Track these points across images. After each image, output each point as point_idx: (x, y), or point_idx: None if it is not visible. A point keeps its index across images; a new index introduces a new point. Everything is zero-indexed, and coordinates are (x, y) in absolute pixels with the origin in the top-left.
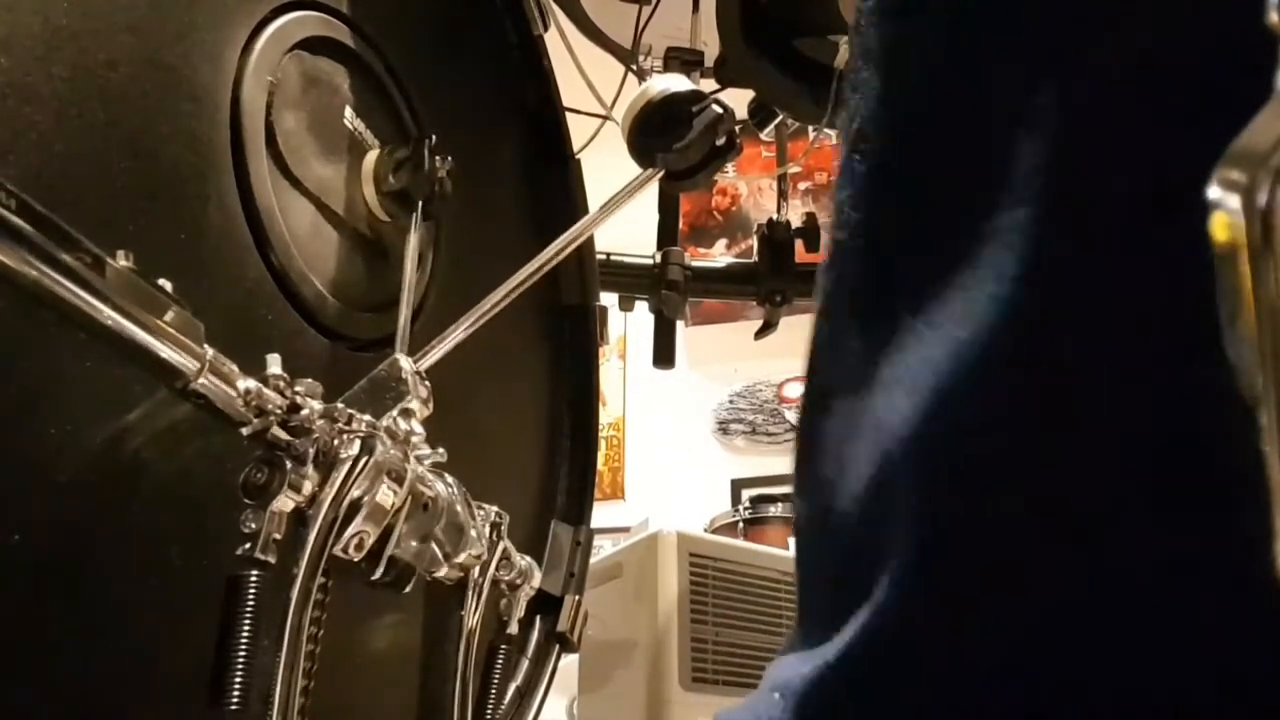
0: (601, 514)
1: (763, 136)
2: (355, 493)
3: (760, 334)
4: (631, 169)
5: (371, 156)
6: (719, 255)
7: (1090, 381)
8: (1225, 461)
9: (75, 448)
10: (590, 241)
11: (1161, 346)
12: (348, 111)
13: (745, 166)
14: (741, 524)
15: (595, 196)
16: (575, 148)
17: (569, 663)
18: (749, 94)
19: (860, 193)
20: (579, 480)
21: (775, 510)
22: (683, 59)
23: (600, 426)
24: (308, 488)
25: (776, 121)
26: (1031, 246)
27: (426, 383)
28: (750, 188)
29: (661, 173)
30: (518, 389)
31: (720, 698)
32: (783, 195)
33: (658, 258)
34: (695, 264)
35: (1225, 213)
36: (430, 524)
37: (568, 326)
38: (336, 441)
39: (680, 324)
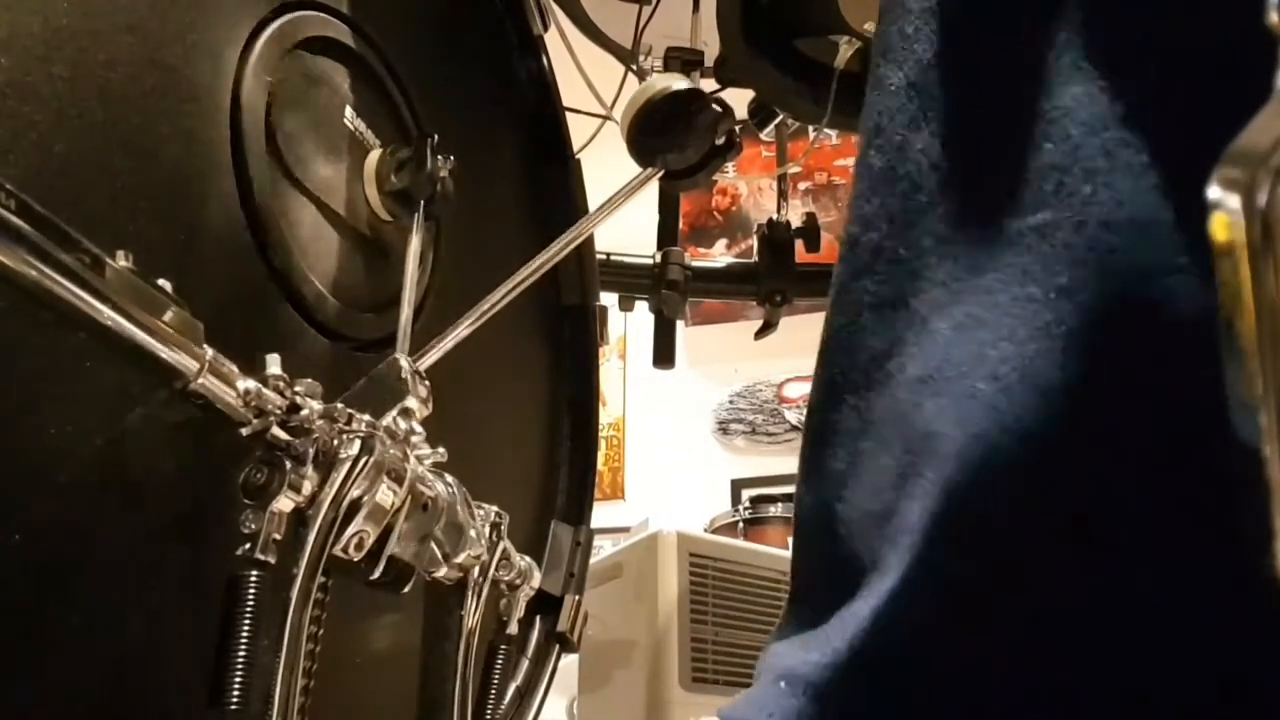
0: (601, 514)
1: (763, 136)
2: (355, 493)
3: (760, 334)
4: (631, 169)
5: (374, 156)
6: (719, 255)
7: (1100, 386)
8: (1225, 462)
9: (75, 448)
10: (590, 241)
11: (1166, 348)
12: (348, 111)
13: (745, 166)
14: (741, 524)
15: (595, 197)
16: (575, 148)
17: (569, 663)
18: (749, 94)
19: (875, 188)
20: (579, 480)
21: (775, 510)
22: (683, 59)
23: (600, 426)
24: (307, 488)
25: (776, 121)
26: (1053, 251)
27: (426, 382)
28: (750, 188)
29: (661, 172)
30: (518, 389)
31: (720, 698)
32: (783, 195)
33: (658, 258)
34: (695, 264)
35: (1225, 212)
36: (430, 524)
37: (568, 326)
38: (336, 441)
39: (680, 324)
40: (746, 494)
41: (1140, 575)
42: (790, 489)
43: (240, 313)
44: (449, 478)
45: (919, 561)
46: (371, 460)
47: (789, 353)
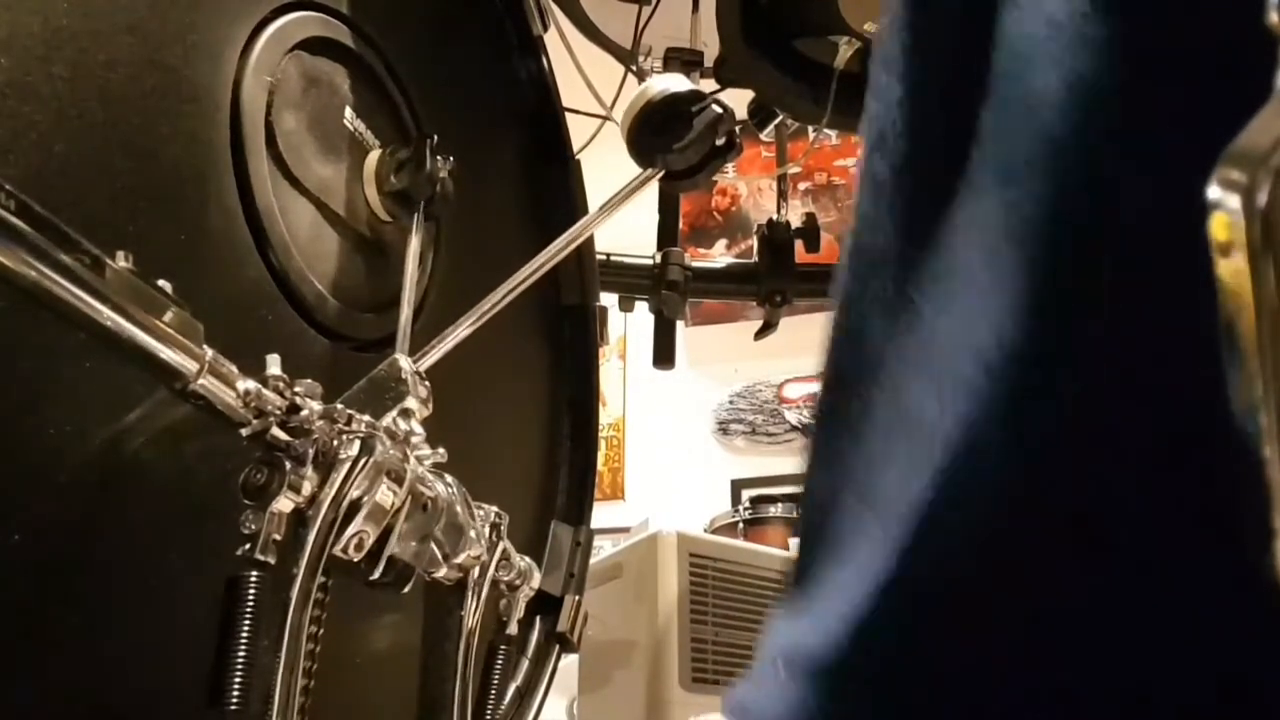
0: (601, 514)
1: (763, 136)
2: (355, 493)
3: (760, 334)
4: (631, 169)
5: (373, 157)
6: (719, 255)
7: (1095, 381)
8: (1225, 461)
9: (75, 448)
10: (590, 241)
11: (1165, 347)
12: (348, 111)
13: (745, 166)
14: (741, 524)
15: (595, 197)
16: (575, 148)
17: (569, 663)
18: (749, 94)
19: (878, 191)
20: (579, 480)
21: (775, 511)
22: (683, 59)
23: (600, 426)
24: (307, 488)
25: (776, 121)
26: (1038, 245)
27: (426, 383)
28: (750, 188)
29: (661, 173)
30: (518, 389)
31: (720, 698)
32: (782, 195)
33: (658, 258)
34: (695, 264)
35: (1225, 212)
36: (430, 524)
37: (568, 326)
38: (336, 442)
39: (680, 324)
40: (746, 494)
41: (1141, 575)
42: (791, 489)
43: (240, 313)
44: (449, 478)
45: (911, 552)
46: (371, 461)
47: (789, 353)
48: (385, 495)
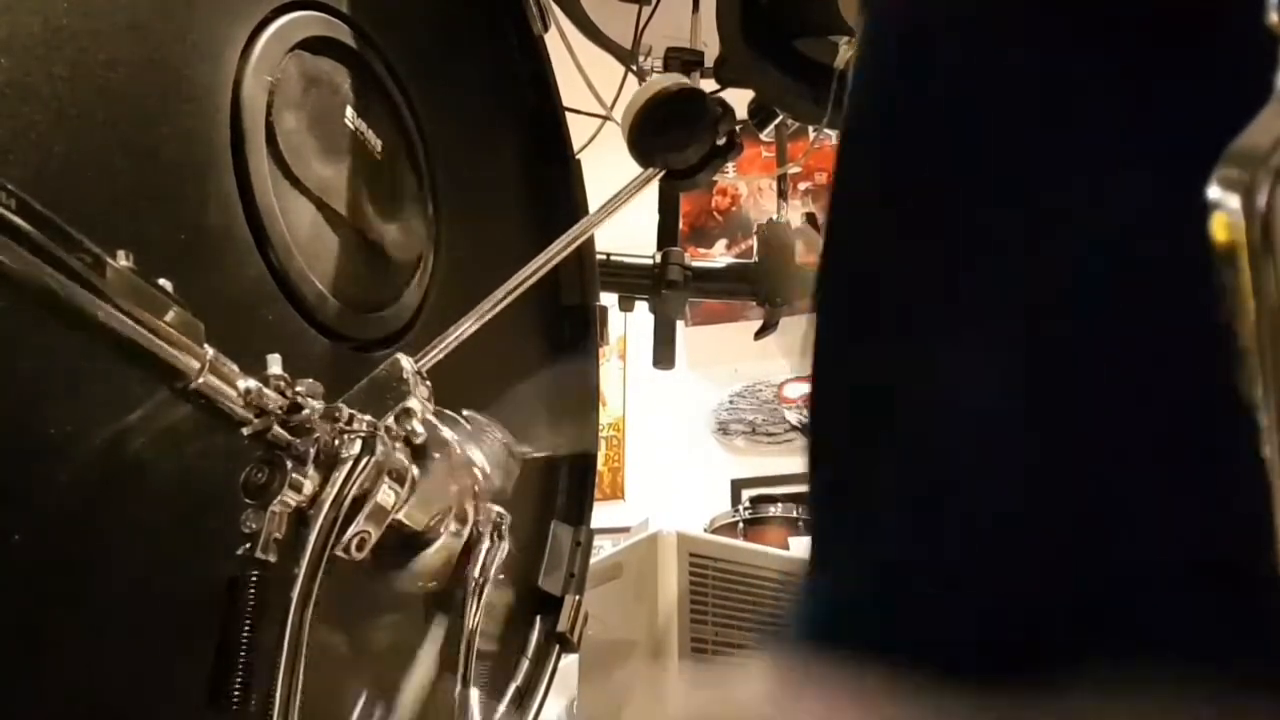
0: (601, 514)
1: (763, 136)
2: (356, 492)
3: (760, 334)
4: (632, 168)
5: None
6: (719, 255)
7: (1095, 380)
8: (1225, 460)
9: (75, 448)
10: (590, 241)
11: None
12: (348, 111)
13: (745, 166)
14: (741, 524)
15: (595, 196)
16: (575, 148)
17: (569, 663)
18: (749, 94)
19: (847, 188)
20: (579, 480)
21: (775, 510)
22: (683, 59)
23: (600, 426)
24: (308, 488)
25: (776, 121)
26: (1026, 244)
27: (427, 382)
28: (750, 188)
29: (662, 172)
30: (518, 389)
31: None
32: (783, 195)
33: (658, 258)
34: (695, 264)
35: (1225, 213)
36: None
37: (568, 326)
38: (337, 441)
39: (680, 324)
40: (746, 494)
41: (1140, 576)
42: (790, 489)
43: (241, 312)
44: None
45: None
46: (373, 460)
47: (789, 353)
48: (387, 495)
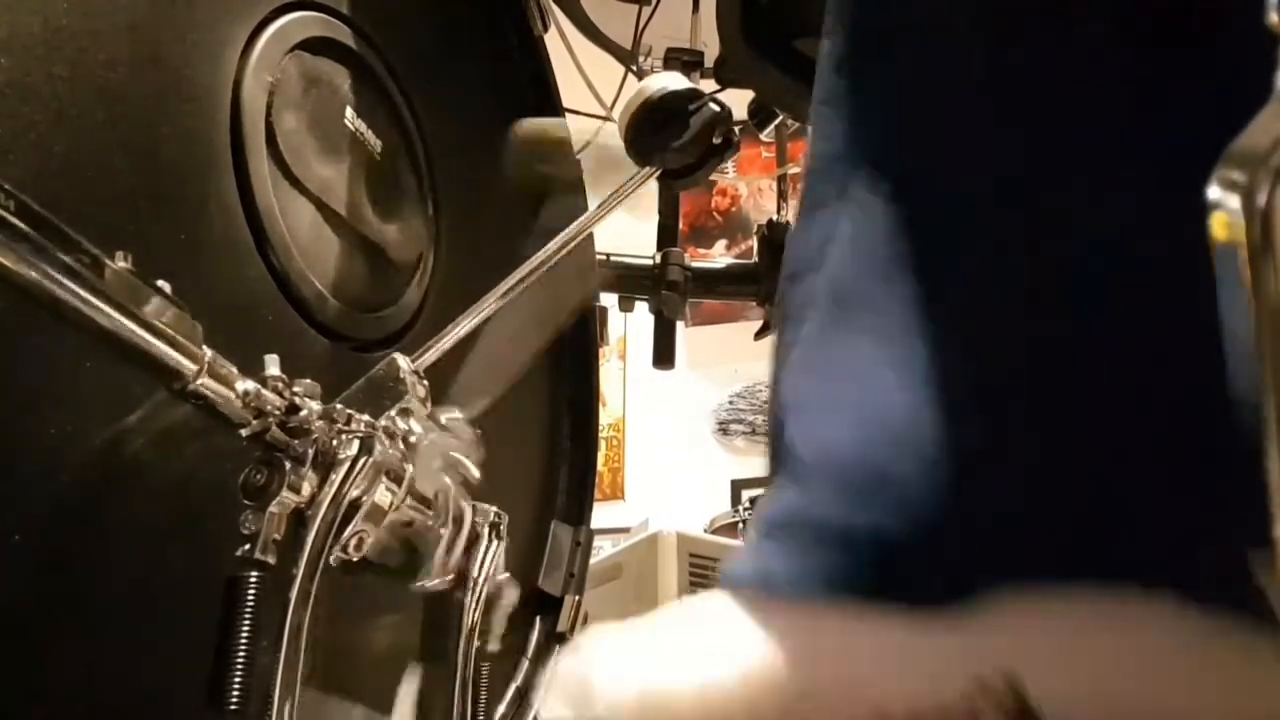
0: (601, 514)
1: (763, 137)
2: (354, 493)
3: (760, 334)
4: (632, 169)
5: None
6: (719, 255)
7: (1095, 380)
8: (1226, 460)
9: (75, 448)
10: (590, 241)
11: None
12: (348, 112)
13: (745, 166)
14: (741, 524)
15: (595, 196)
16: (575, 148)
17: None
18: (749, 94)
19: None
20: (579, 480)
21: None
22: (683, 59)
23: (600, 426)
24: (307, 488)
25: (776, 121)
26: (1026, 244)
27: (425, 382)
28: (750, 188)
29: (659, 171)
30: (518, 389)
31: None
32: (782, 196)
33: (658, 258)
34: (695, 264)
35: (1225, 212)
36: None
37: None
38: (335, 442)
39: (680, 324)
40: (746, 494)
41: (1140, 574)
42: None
43: (240, 313)
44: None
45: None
46: (370, 460)
47: None
48: (384, 495)
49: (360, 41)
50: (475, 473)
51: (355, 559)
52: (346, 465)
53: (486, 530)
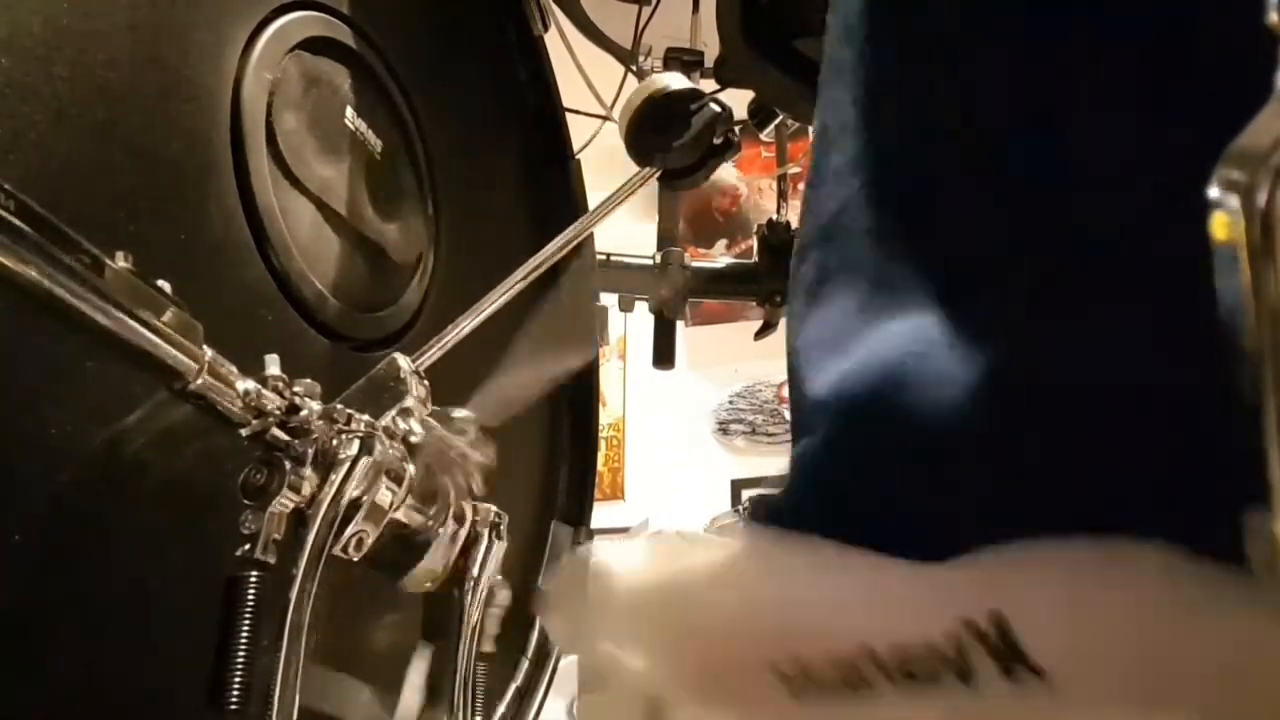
0: (601, 514)
1: (763, 137)
2: (354, 492)
3: (760, 334)
4: (631, 168)
5: None
6: (719, 255)
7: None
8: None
9: (75, 448)
10: (590, 241)
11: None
12: (348, 111)
13: (745, 166)
14: (741, 524)
15: (595, 197)
16: (575, 148)
17: (569, 663)
18: (749, 94)
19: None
20: (579, 480)
21: None
22: (683, 59)
23: (600, 426)
24: (307, 488)
25: (776, 121)
26: (1025, 245)
27: (425, 382)
28: (750, 188)
29: (659, 171)
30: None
31: None
32: (782, 195)
33: (658, 258)
34: (695, 264)
35: (1225, 212)
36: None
37: None
38: (335, 442)
39: (680, 324)
40: (746, 494)
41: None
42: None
43: (240, 313)
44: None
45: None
46: (371, 460)
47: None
48: (384, 495)
49: (360, 41)
50: (479, 478)
51: (356, 559)
52: (347, 465)
53: (486, 530)
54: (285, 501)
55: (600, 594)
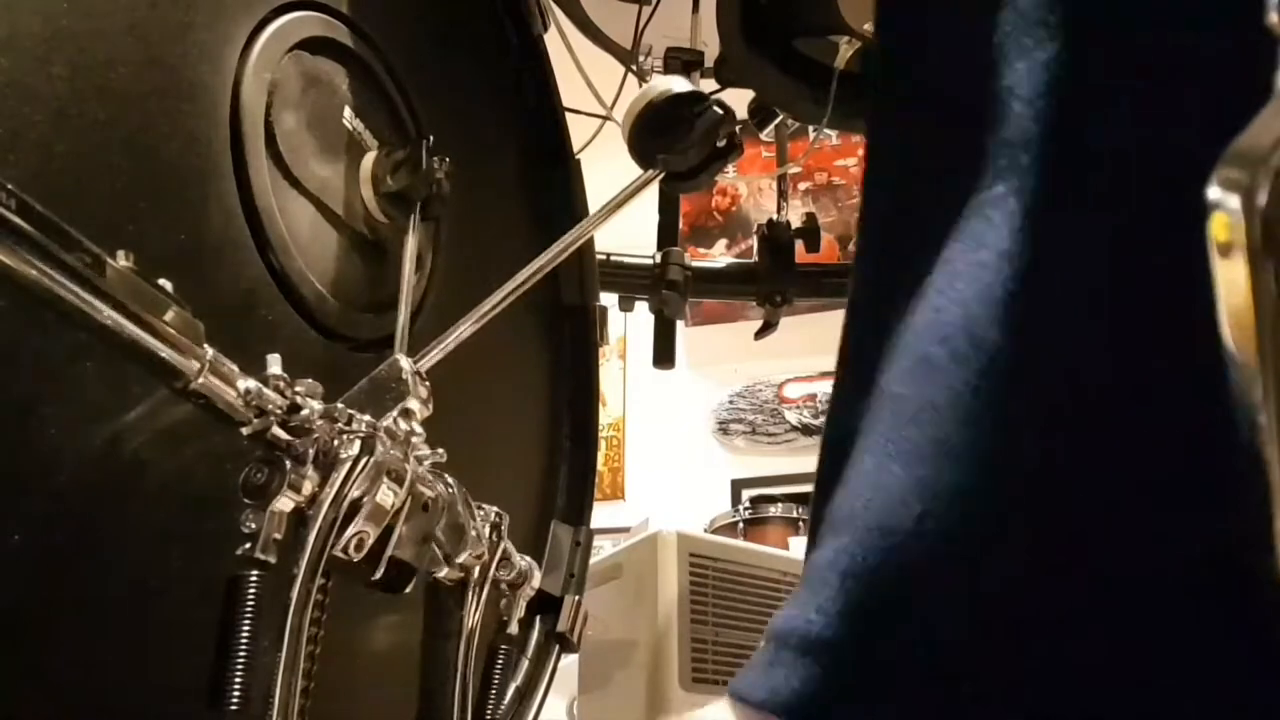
0: (601, 514)
1: (763, 137)
2: (355, 493)
3: (760, 334)
4: (632, 169)
5: (370, 158)
6: (719, 255)
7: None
8: (1226, 461)
9: (75, 448)
10: (590, 242)
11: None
12: (347, 111)
13: (745, 166)
14: (741, 524)
15: (595, 197)
16: (575, 148)
17: (569, 663)
18: (749, 94)
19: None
20: (579, 480)
21: (775, 510)
22: (683, 59)
23: (600, 426)
24: (308, 488)
25: (776, 121)
26: (1001, 217)
27: (426, 383)
28: (750, 188)
29: (662, 174)
30: (518, 389)
31: (721, 698)
32: (783, 195)
33: (658, 258)
34: (695, 264)
35: (1225, 213)
36: (430, 524)
37: (568, 326)
38: (336, 442)
39: (680, 324)
40: (746, 494)
41: (1137, 577)
42: (790, 489)
43: (240, 313)
44: (449, 478)
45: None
46: (372, 460)
47: (789, 353)
48: (386, 495)
49: (359, 41)
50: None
51: (356, 559)
52: (348, 465)
53: (487, 530)
54: (286, 501)
55: None
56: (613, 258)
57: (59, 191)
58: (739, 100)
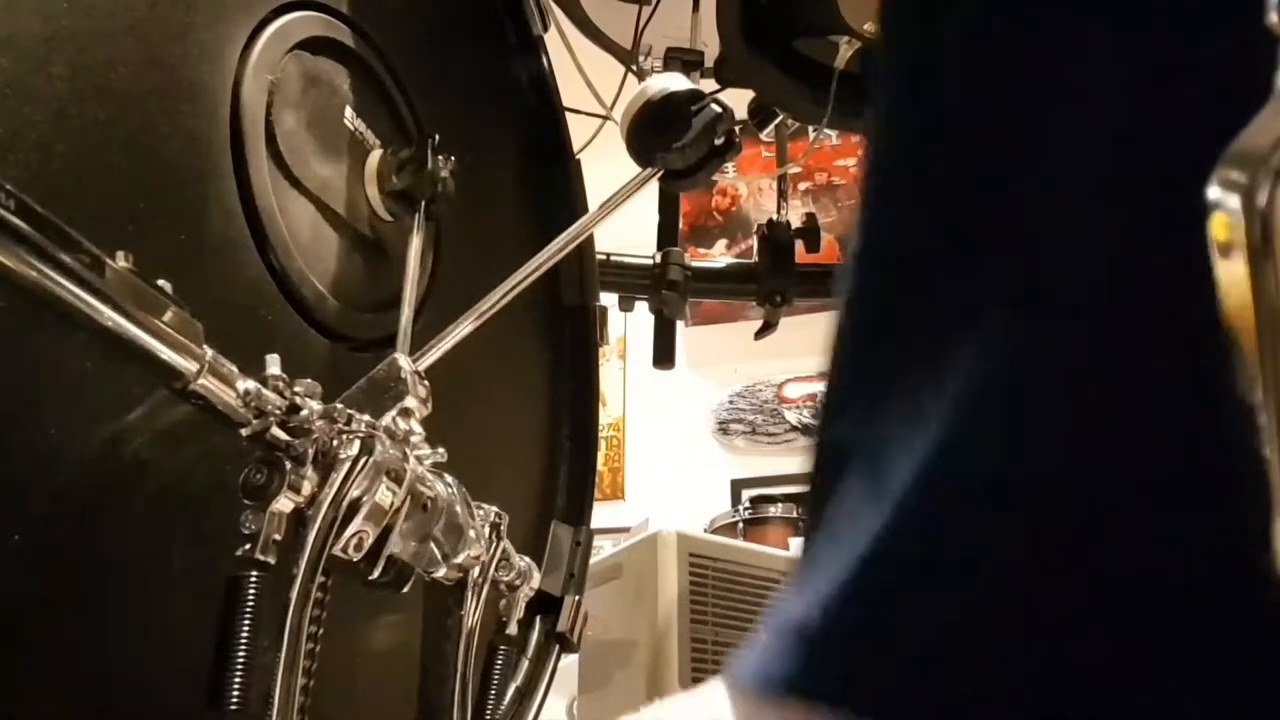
0: (601, 514)
1: (763, 136)
2: (354, 493)
3: (760, 334)
4: (631, 168)
5: (375, 156)
6: (719, 255)
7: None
8: (1227, 462)
9: (75, 448)
10: (590, 241)
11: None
12: (348, 111)
13: (745, 166)
14: (741, 524)
15: (595, 196)
16: (575, 147)
17: (569, 663)
18: (749, 94)
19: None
20: (579, 481)
21: (775, 510)
22: (683, 59)
23: (600, 426)
24: (307, 488)
25: (776, 121)
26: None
27: (425, 382)
28: (750, 188)
29: (661, 172)
30: (518, 389)
31: None
32: (783, 195)
33: (658, 258)
34: (695, 264)
35: (1225, 213)
36: (429, 524)
37: (568, 326)
38: (336, 442)
39: (680, 324)
40: (746, 494)
41: (1136, 577)
42: (790, 489)
43: (240, 313)
44: (448, 478)
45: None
46: (371, 460)
47: (789, 353)
48: (385, 495)
49: (360, 41)
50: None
51: (356, 559)
52: (347, 465)
53: (486, 530)
54: (285, 501)
55: None
56: (613, 258)
57: (59, 192)
58: (739, 100)
